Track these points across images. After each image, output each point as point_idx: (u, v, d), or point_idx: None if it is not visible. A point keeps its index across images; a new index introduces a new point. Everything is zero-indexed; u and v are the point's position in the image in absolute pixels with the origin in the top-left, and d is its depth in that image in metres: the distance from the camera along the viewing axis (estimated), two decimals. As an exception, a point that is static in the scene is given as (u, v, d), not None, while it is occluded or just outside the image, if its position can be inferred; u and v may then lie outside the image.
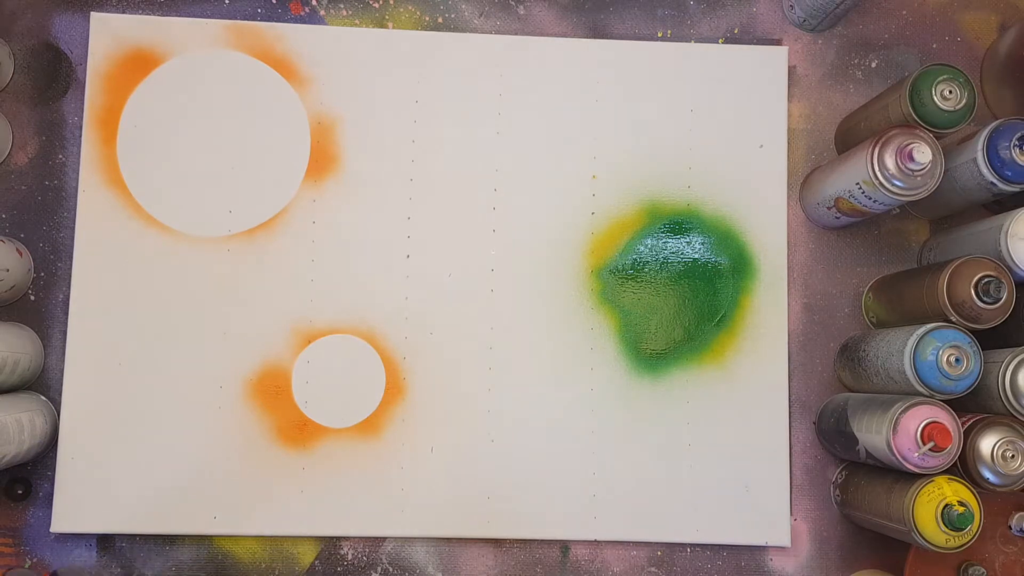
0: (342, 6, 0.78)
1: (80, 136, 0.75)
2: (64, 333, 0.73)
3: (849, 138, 0.75)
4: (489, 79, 0.77)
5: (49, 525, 0.72)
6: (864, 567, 0.75)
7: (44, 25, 0.77)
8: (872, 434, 0.65)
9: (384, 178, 0.76)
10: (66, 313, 0.73)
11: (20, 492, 0.73)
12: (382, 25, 0.78)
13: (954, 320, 0.64)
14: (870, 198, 0.68)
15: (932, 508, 0.62)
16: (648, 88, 0.77)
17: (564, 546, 0.75)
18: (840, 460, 0.75)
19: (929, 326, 0.64)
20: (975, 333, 0.64)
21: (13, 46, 0.76)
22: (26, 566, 0.73)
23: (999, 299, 0.64)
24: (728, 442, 0.74)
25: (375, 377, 0.74)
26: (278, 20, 0.77)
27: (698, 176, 0.77)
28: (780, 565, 0.75)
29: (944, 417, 0.63)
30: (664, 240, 0.76)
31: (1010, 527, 0.68)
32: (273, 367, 0.74)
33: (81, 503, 0.72)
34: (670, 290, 0.76)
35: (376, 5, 0.78)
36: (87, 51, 0.75)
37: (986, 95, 0.78)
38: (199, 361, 0.73)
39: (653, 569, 0.75)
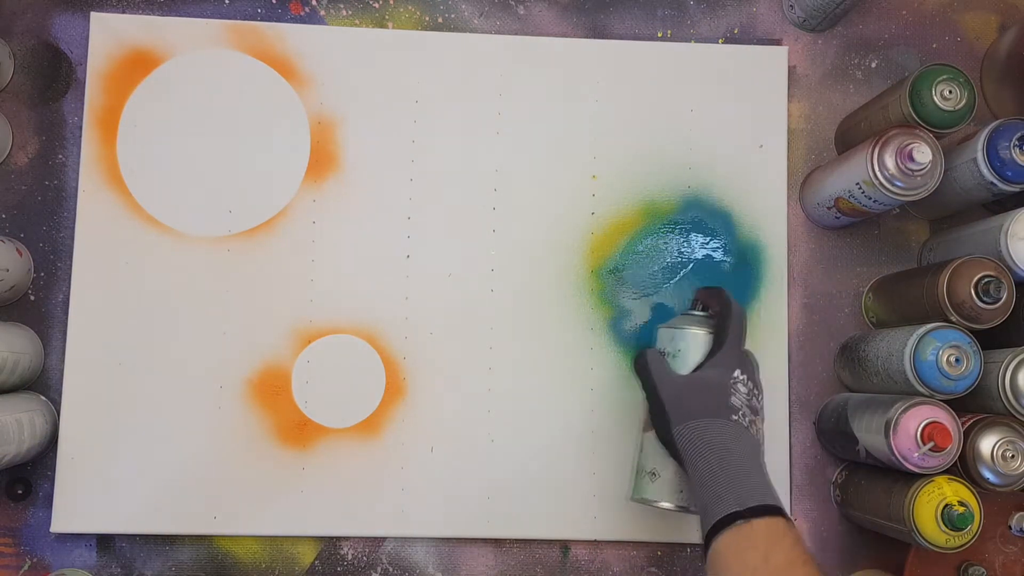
0: (342, 6, 0.78)
1: (80, 136, 0.75)
2: (64, 333, 0.73)
3: (849, 138, 0.75)
4: (489, 79, 0.77)
5: (49, 525, 0.72)
6: (864, 567, 0.75)
7: (44, 25, 0.76)
8: (872, 434, 0.65)
9: (384, 178, 0.76)
10: (66, 313, 0.73)
11: (20, 492, 0.73)
12: (382, 25, 0.78)
13: (954, 320, 0.64)
14: (870, 198, 0.68)
15: (932, 508, 0.62)
16: (648, 88, 0.77)
17: (564, 546, 0.75)
18: (840, 460, 0.75)
19: (929, 326, 0.64)
20: (975, 333, 0.64)
21: (13, 46, 0.76)
22: (26, 566, 0.73)
23: (999, 299, 0.64)
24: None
25: (375, 377, 0.74)
26: (278, 20, 0.77)
27: (698, 176, 0.77)
28: (780, 565, 0.75)
29: (944, 417, 0.63)
30: (664, 240, 0.76)
31: (1010, 527, 0.68)
32: (273, 367, 0.74)
33: (81, 503, 0.72)
34: (670, 290, 0.76)
35: (376, 5, 0.78)
36: (87, 51, 0.75)
37: (986, 95, 0.78)
38: (199, 361, 0.73)
39: (653, 569, 0.75)
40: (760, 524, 0.55)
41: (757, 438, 0.61)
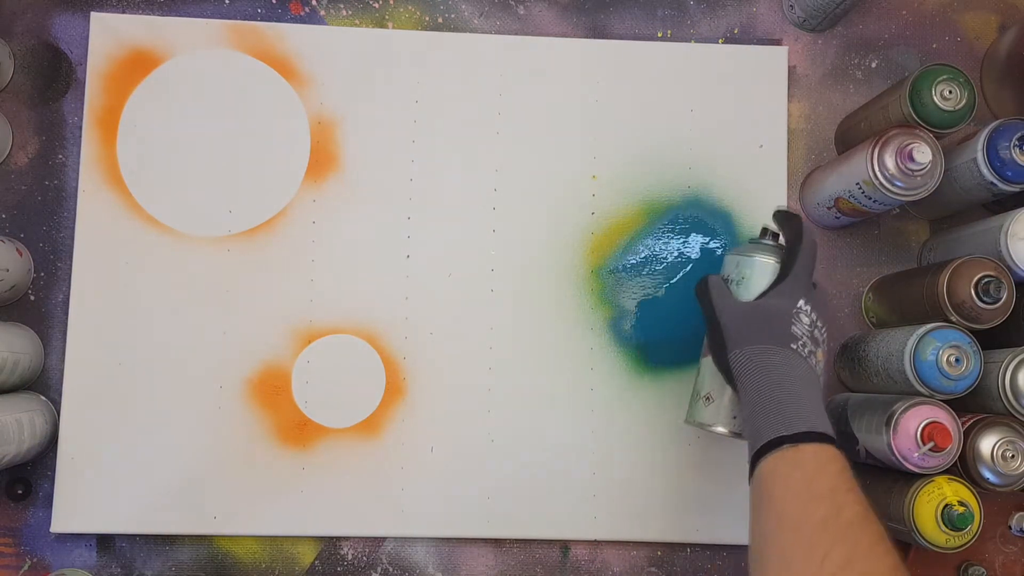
0: (342, 6, 0.78)
1: (80, 136, 0.75)
2: (64, 333, 0.73)
3: (849, 138, 0.75)
4: (489, 79, 0.77)
5: (49, 525, 0.72)
6: (864, 567, 0.75)
7: (44, 25, 0.76)
8: (872, 434, 0.65)
9: (384, 178, 0.76)
10: (66, 313, 0.73)
11: (20, 492, 0.73)
12: (382, 25, 0.78)
13: (954, 320, 0.64)
14: (870, 198, 0.68)
15: (932, 508, 0.62)
16: (648, 88, 0.77)
17: (564, 546, 0.75)
18: (840, 460, 0.75)
19: (929, 326, 0.64)
20: (975, 333, 0.64)
21: (13, 46, 0.76)
22: (26, 566, 0.73)
23: (999, 299, 0.64)
24: (729, 442, 0.74)
25: (375, 377, 0.74)
26: (278, 20, 0.77)
27: (698, 176, 0.77)
28: (780, 565, 0.75)
29: (944, 417, 0.63)
30: (664, 240, 0.76)
31: (1010, 527, 0.68)
32: (273, 367, 0.74)
33: (81, 503, 0.72)
34: (670, 290, 0.76)
35: (376, 5, 0.78)
36: (87, 51, 0.75)
37: (986, 95, 0.78)
38: (199, 361, 0.73)
39: (653, 569, 0.75)
40: (807, 449, 0.54)
41: (816, 369, 0.60)
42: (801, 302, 0.60)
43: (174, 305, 0.74)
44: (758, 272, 0.63)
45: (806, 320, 0.60)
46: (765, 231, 0.66)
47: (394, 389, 0.74)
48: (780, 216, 0.66)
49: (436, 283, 0.75)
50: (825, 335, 0.61)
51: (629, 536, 0.74)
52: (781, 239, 0.66)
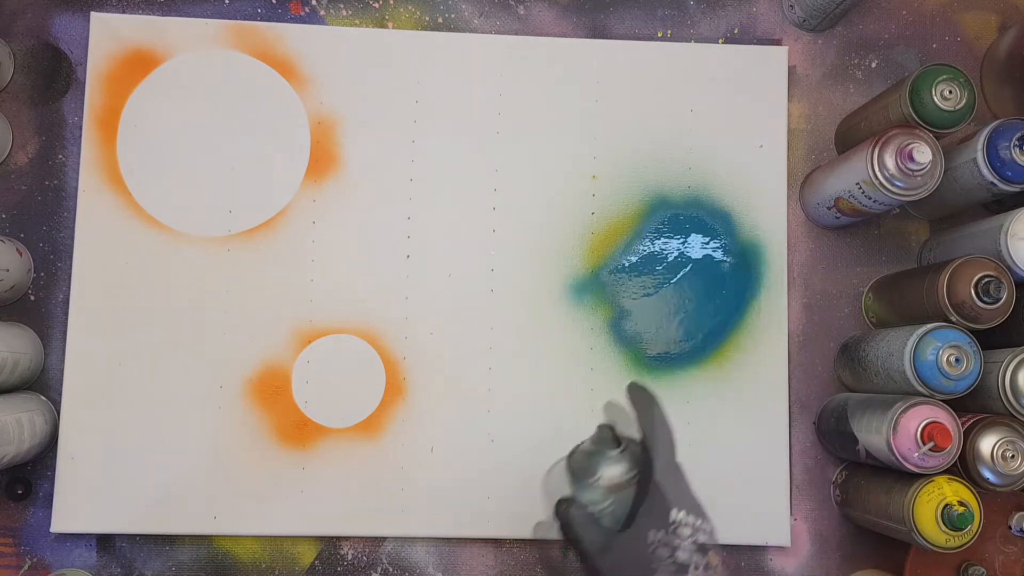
0: (342, 6, 0.78)
1: (80, 136, 0.75)
2: (64, 333, 0.73)
3: (849, 138, 0.75)
4: (489, 79, 0.77)
5: (49, 525, 0.72)
6: (864, 567, 0.75)
7: (44, 25, 0.76)
8: (872, 434, 0.65)
9: (384, 178, 0.76)
10: (66, 313, 0.73)
11: (20, 492, 0.73)
12: (382, 25, 0.78)
13: (954, 320, 0.64)
14: (870, 198, 0.68)
15: (932, 508, 0.62)
16: (648, 88, 0.77)
17: (564, 546, 0.75)
18: (840, 460, 0.75)
19: (929, 326, 0.64)
20: (975, 333, 0.64)
21: (13, 46, 0.76)
22: (26, 566, 0.73)
23: (999, 299, 0.64)
24: (728, 442, 0.74)
25: (375, 377, 0.74)
26: (278, 20, 0.77)
27: (698, 176, 0.77)
28: (780, 565, 0.75)
29: (944, 417, 0.63)
30: (664, 240, 0.76)
31: (1010, 527, 0.68)
32: (273, 367, 0.74)
33: (81, 503, 0.72)
34: (669, 290, 0.76)
35: (376, 5, 0.78)
36: (87, 51, 0.75)
37: (986, 95, 0.78)
38: (199, 361, 0.73)
39: (653, 569, 0.75)
40: None
41: None
42: (673, 512, 0.53)
43: (174, 305, 0.74)
44: (618, 486, 0.55)
45: (687, 532, 0.53)
46: (606, 429, 0.56)
47: (394, 389, 0.74)
48: (613, 409, 0.59)
49: (436, 283, 0.75)
50: (710, 527, 0.54)
51: (629, 536, 0.74)
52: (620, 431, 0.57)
